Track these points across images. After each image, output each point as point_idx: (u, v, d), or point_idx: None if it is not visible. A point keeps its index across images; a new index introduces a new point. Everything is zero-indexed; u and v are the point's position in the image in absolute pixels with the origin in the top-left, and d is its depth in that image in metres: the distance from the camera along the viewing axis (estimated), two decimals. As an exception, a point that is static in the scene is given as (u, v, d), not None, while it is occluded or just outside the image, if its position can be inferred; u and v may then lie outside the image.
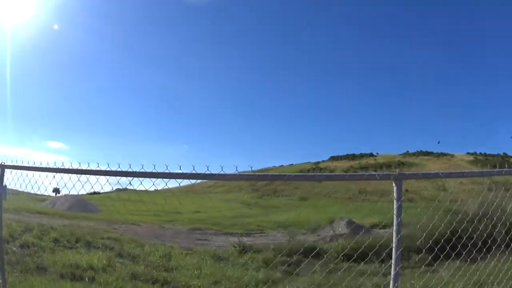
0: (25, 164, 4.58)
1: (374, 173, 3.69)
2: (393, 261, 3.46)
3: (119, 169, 3.73)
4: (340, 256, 6.27)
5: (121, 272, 7.22)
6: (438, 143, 68.06)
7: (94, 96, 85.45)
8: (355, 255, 5.05)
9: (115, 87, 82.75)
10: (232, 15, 79.71)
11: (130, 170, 3.68)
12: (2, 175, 4.72)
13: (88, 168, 3.94)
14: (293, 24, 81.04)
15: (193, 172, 3.51)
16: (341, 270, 6.40)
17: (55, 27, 48.77)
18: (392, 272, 3.46)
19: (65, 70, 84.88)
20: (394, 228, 3.49)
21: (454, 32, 76.12)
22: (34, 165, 4.53)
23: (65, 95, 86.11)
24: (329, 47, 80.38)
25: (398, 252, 3.45)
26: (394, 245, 3.47)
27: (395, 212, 3.50)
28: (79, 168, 4.01)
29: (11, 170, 4.92)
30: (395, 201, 3.52)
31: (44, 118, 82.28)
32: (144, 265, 7.85)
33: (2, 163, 4.71)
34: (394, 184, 3.52)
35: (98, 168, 3.88)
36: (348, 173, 3.15)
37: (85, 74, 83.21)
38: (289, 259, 7.84)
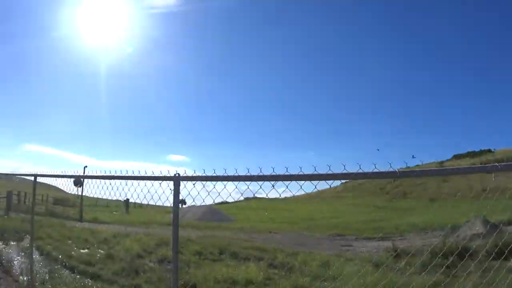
0: (201, 174, 4.32)
1: None
2: None
3: (261, 174, 3.61)
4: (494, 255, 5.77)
5: (285, 285, 6.67)
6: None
7: (214, 110, 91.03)
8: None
9: (232, 98, 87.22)
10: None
11: (261, 174, 3.59)
12: (178, 188, 4.35)
13: (238, 175, 3.84)
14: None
15: (329, 172, 3.26)
16: (505, 269, 5.45)
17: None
18: None
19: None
20: None
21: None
22: (208, 174, 4.25)
23: (186, 111, 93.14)
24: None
25: None
26: None
27: None
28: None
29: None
30: None
31: (165, 134, 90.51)
32: (304, 275, 7.32)
33: (177, 175, 4.38)
34: None
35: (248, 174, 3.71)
36: None
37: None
38: (445, 261, 6.87)
